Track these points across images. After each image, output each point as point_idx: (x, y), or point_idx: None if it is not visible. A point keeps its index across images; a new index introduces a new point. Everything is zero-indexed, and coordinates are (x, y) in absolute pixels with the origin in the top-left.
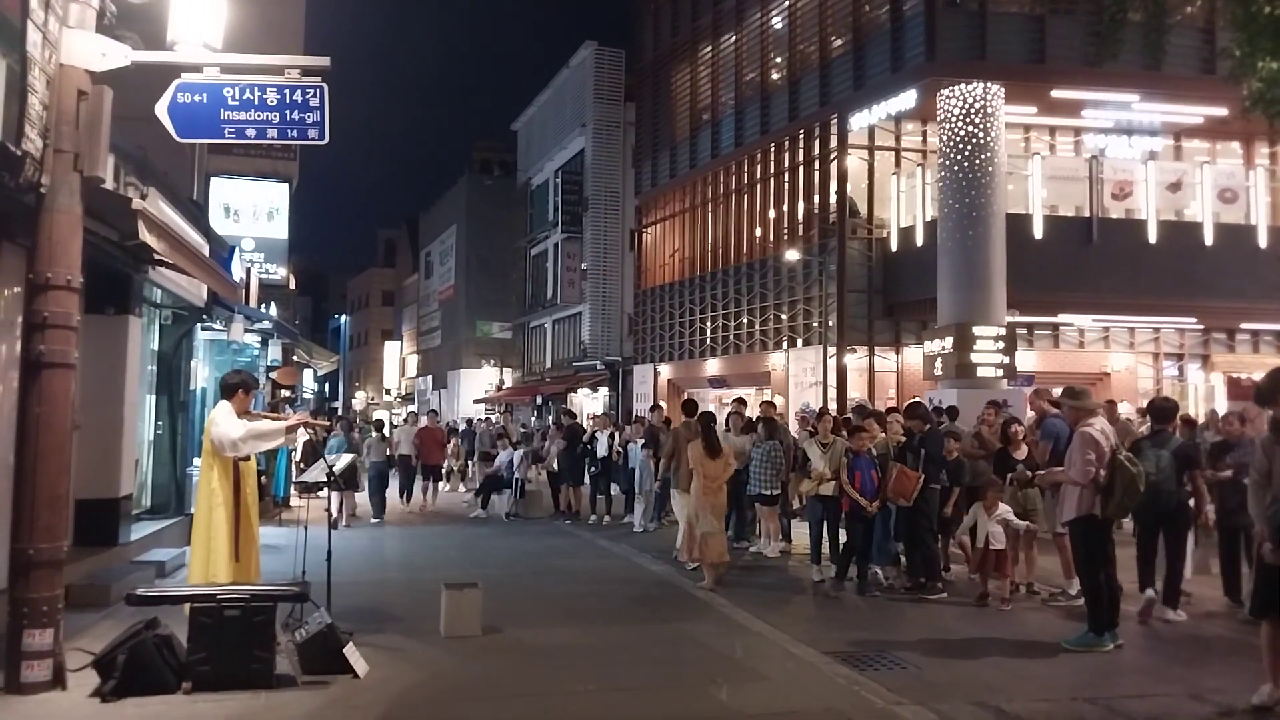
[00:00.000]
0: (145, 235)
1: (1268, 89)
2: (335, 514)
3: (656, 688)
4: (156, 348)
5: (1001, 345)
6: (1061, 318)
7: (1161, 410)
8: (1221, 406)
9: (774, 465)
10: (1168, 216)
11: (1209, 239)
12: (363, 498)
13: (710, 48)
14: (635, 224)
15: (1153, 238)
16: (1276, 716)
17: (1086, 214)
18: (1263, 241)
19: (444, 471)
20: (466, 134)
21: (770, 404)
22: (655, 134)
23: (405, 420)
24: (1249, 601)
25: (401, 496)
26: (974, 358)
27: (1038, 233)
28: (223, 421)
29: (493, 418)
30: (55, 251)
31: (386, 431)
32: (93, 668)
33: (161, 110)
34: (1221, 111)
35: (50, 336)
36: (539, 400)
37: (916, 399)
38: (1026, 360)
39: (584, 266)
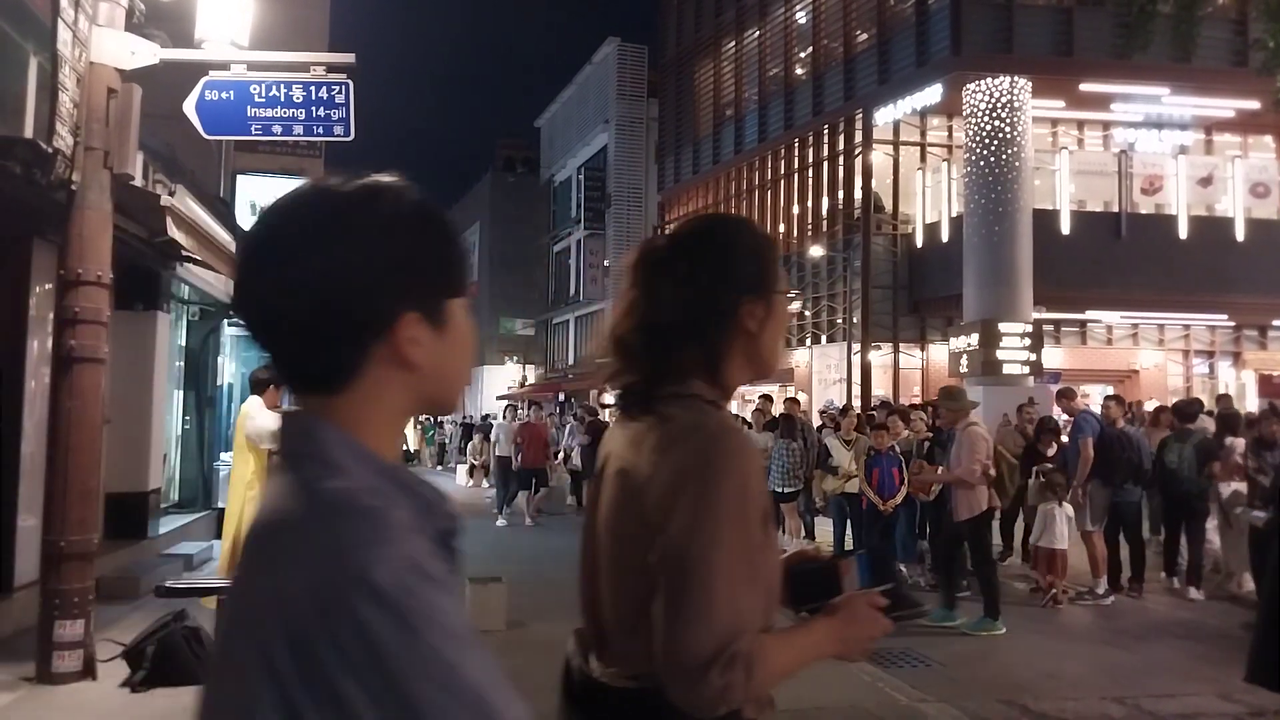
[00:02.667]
0: (173, 232)
1: None
2: None
3: None
4: (184, 343)
5: (1028, 342)
6: (1089, 314)
7: (1185, 411)
8: (1253, 404)
9: (790, 463)
10: (1198, 211)
11: (1240, 234)
12: None
13: (734, 43)
14: (658, 220)
15: (1183, 233)
16: None
17: (1115, 209)
18: None
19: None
20: (490, 131)
21: (795, 401)
22: (678, 130)
23: (503, 415)
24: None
25: (500, 509)
26: (1000, 355)
27: (1065, 228)
28: (258, 415)
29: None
30: (86, 248)
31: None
32: (122, 658)
33: (189, 108)
34: (1254, 105)
35: (81, 332)
36: (561, 397)
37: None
38: (1053, 357)
39: (607, 263)
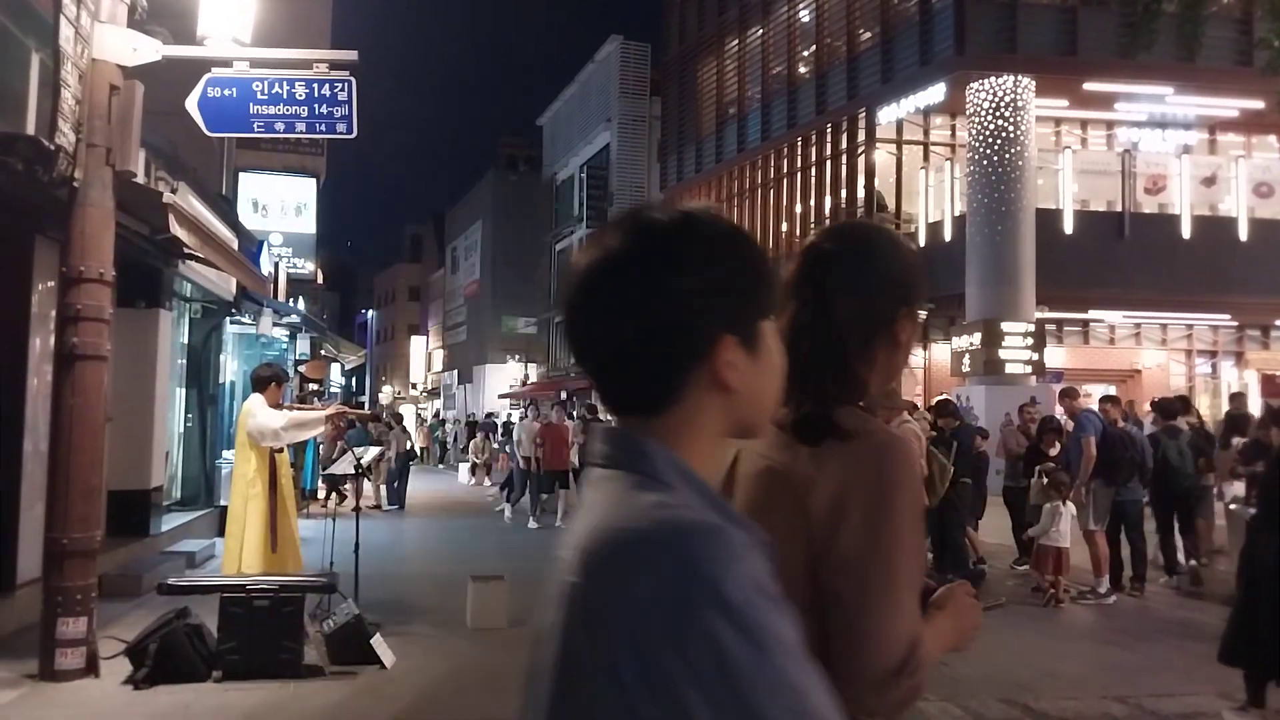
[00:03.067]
0: (176, 229)
1: None
2: (370, 502)
3: None
4: (186, 341)
5: (1030, 341)
6: (1092, 314)
7: (1167, 409)
8: (1256, 404)
9: None
10: (1202, 211)
11: (1244, 234)
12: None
13: (737, 41)
14: None
15: (1186, 233)
16: None
17: (1118, 209)
18: None
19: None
20: (492, 129)
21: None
22: (681, 128)
23: (524, 415)
24: None
25: (533, 512)
26: (1002, 354)
27: (1068, 228)
28: (260, 413)
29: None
30: (88, 245)
31: (408, 425)
32: (125, 656)
33: (192, 105)
34: (1258, 104)
35: (83, 329)
36: (563, 396)
37: (945, 397)
38: (1056, 357)
39: None
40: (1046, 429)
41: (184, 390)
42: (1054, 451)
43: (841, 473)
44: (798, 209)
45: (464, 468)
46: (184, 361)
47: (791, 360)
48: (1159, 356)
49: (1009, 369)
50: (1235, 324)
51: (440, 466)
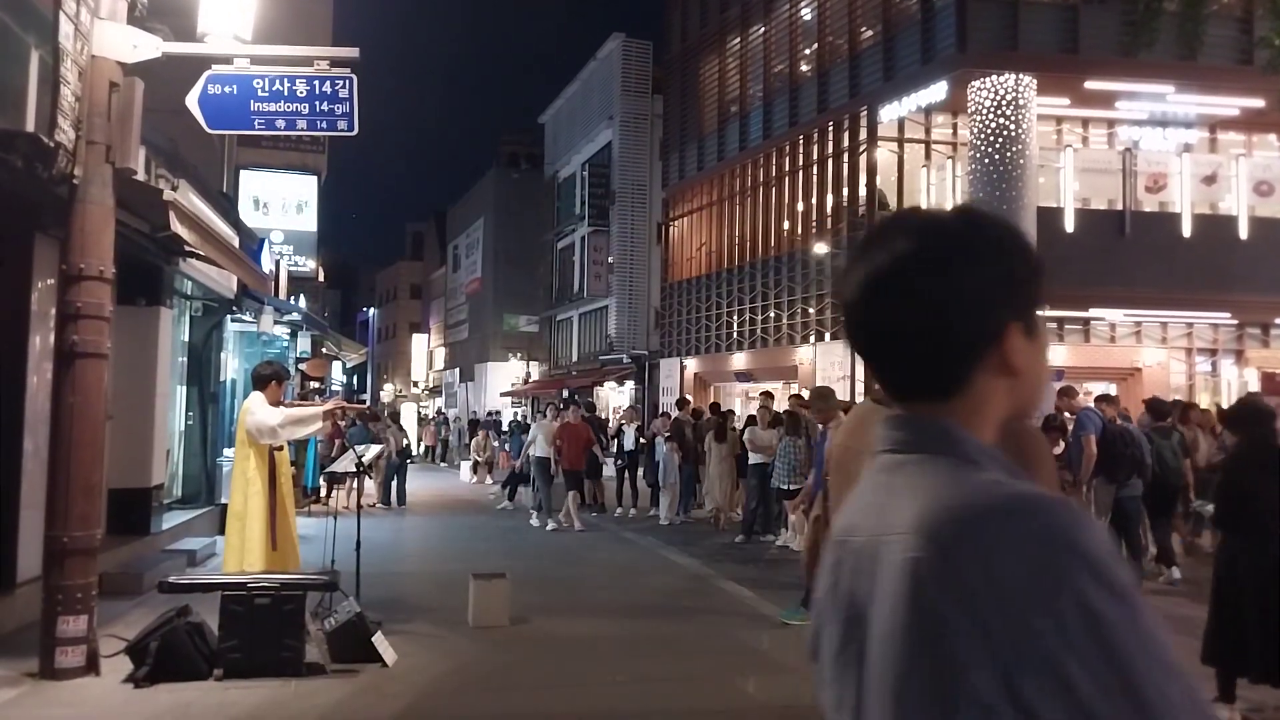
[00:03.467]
0: (176, 227)
1: None
2: (370, 500)
3: (683, 679)
4: (187, 339)
5: None
6: (1093, 312)
7: (1159, 409)
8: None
9: (796, 460)
10: (1202, 210)
11: (1244, 232)
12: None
13: (739, 39)
14: (662, 217)
15: (1187, 231)
16: None
17: (1119, 207)
18: None
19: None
20: (494, 127)
21: (800, 398)
22: (683, 126)
23: (544, 414)
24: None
25: (545, 511)
26: None
27: (1069, 226)
28: (259, 410)
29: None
30: (88, 243)
31: (408, 423)
32: (126, 654)
33: (192, 102)
34: (1258, 103)
35: (83, 327)
36: (565, 394)
37: None
38: (1056, 355)
39: (610, 260)
40: (1049, 427)
41: (185, 388)
42: (1058, 450)
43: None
44: (800, 207)
45: (465, 466)
46: (185, 359)
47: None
48: (1159, 355)
49: None
50: (1235, 322)
51: (442, 464)
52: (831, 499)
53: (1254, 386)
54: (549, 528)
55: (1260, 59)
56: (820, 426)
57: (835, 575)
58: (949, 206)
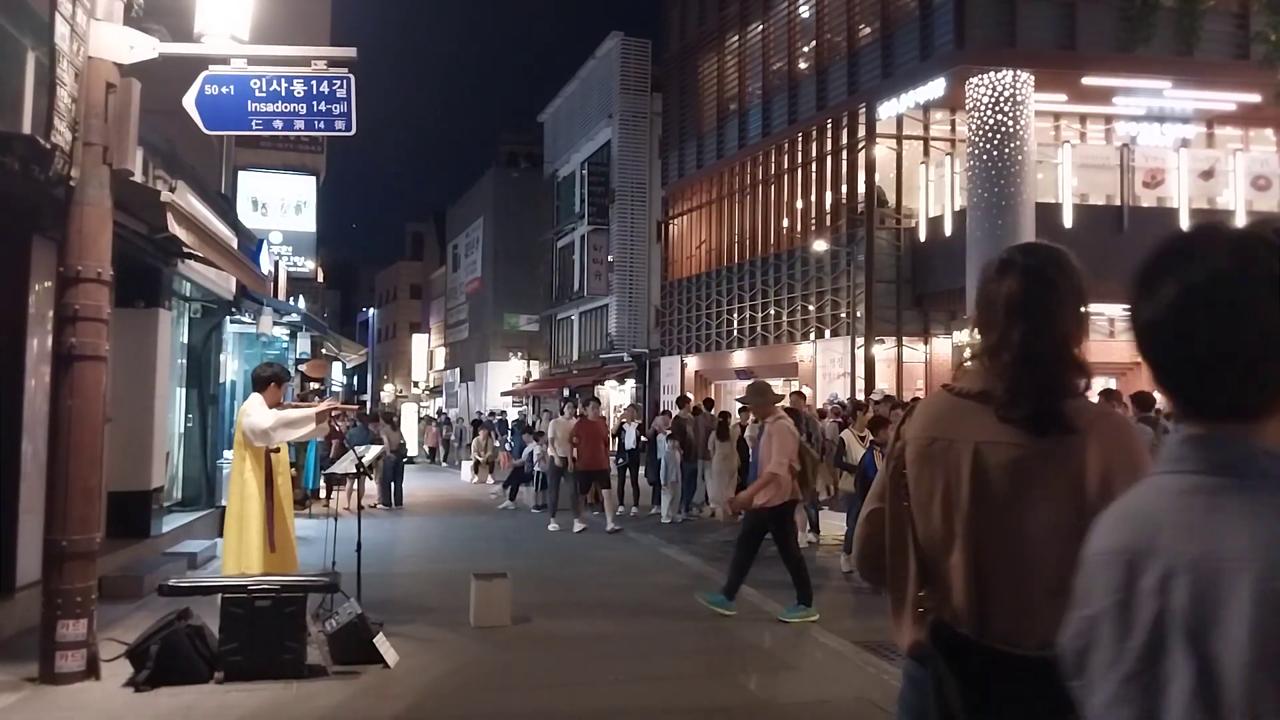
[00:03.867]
0: (174, 228)
1: None
2: (371, 501)
3: (685, 677)
4: (186, 340)
5: None
6: (1091, 307)
7: (1143, 401)
8: None
9: None
10: (1200, 205)
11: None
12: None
13: (737, 37)
14: (662, 215)
15: (1185, 226)
16: None
17: (1117, 203)
18: None
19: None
20: (493, 126)
21: (800, 395)
22: (682, 124)
23: (561, 412)
24: None
25: (550, 514)
26: None
27: (1068, 222)
28: (253, 412)
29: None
30: (85, 244)
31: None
32: (126, 658)
33: (189, 102)
34: (1255, 98)
35: (81, 329)
36: (565, 393)
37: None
38: None
39: (610, 258)
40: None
41: (184, 390)
42: None
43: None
44: (799, 205)
45: (466, 466)
46: (184, 361)
47: (1026, 363)
48: None
49: None
50: None
51: (444, 465)
52: (913, 490)
53: None
54: (550, 528)
55: (1256, 54)
56: (757, 421)
57: (1126, 594)
58: (1222, 221)
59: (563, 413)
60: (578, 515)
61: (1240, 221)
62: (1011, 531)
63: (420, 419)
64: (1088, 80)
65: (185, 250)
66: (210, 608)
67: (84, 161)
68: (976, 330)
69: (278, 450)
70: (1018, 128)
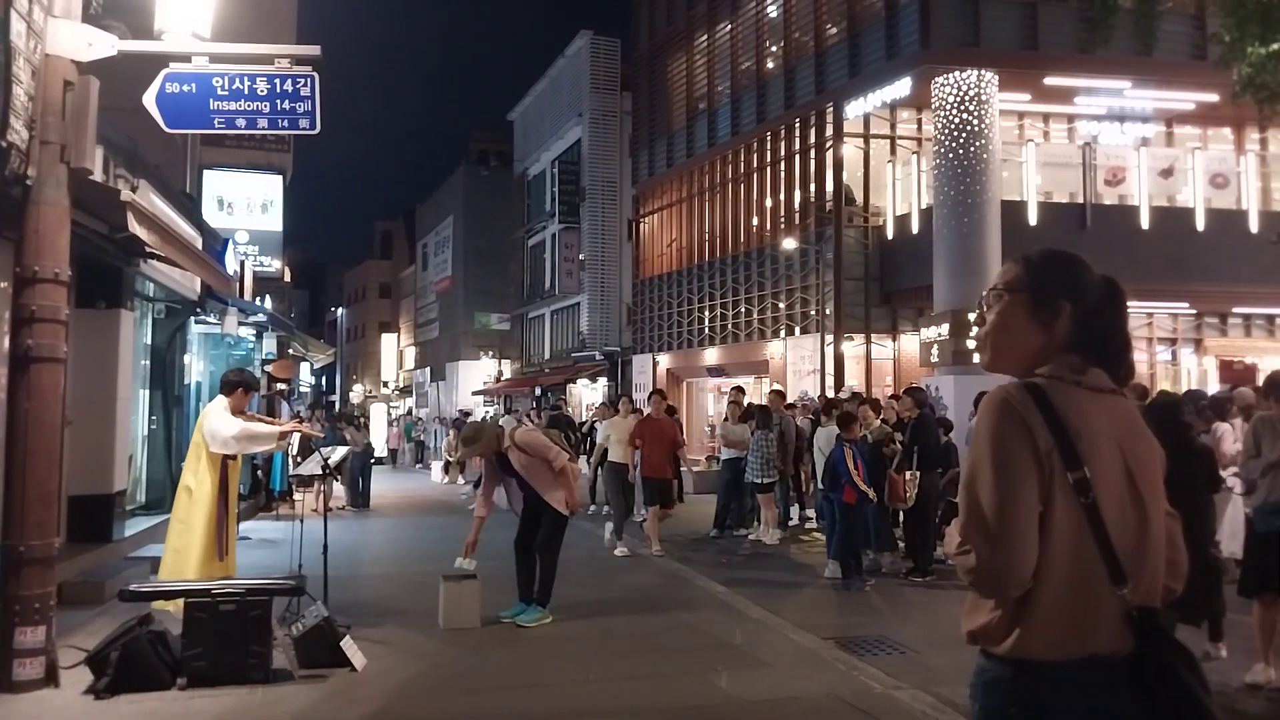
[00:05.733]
0: (135, 227)
1: (1257, 74)
2: (340, 503)
3: (657, 676)
4: (150, 342)
5: None
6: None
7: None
8: (1214, 390)
9: (768, 453)
10: (1160, 202)
11: (1201, 224)
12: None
13: (706, 36)
14: (633, 214)
15: (1145, 223)
16: (1269, 695)
17: (1080, 200)
18: (1254, 226)
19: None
20: (463, 125)
21: (780, 394)
22: (652, 123)
23: (615, 407)
24: (1239, 582)
25: (618, 533)
26: (970, 344)
27: (1032, 219)
28: (217, 417)
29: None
30: (42, 244)
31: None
32: (86, 665)
33: (149, 100)
34: (1212, 97)
35: (39, 330)
36: (538, 391)
37: (916, 385)
38: None
39: (582, 257)
40: None
41: (148, 392)
42: None
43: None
44: (768, 203)
45: (436, 466)
46: (147, 362)
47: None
48: None
49: (977, 359)
50: (1194, 312)
51: (418, 466)
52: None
53: (1212, 375)
54: (617, 553)
55: (1213, 54)
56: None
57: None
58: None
59: (615, 408)
60: (617, 537)
61: (1200, 221)
62: (1132, 505)
63: (391, 420)
64: (1050, 80)
65: (148, 250)
66: (169, 613)
67: (41, 160)
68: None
69: (234, 457)
70: (983, 127)
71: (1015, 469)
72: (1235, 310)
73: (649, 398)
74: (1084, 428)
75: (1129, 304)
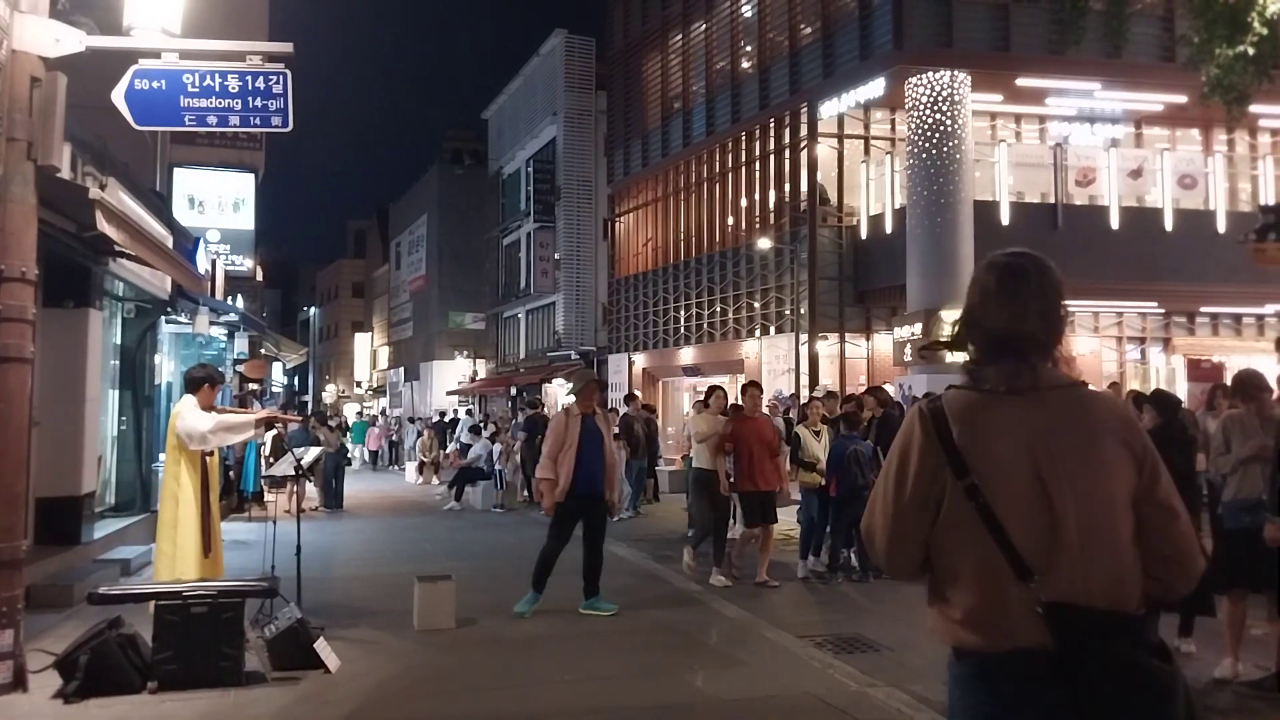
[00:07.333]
0: (103, 226)
1: (1224, 75)
2: (313, 504)
3: (633, 676)
4: (119, 341)
5: None
6: None
7: None
8: (1183, 388)
9: None
10: (1129, 203)
11: (1169, 224)
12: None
13: (680, 36)
14: (608, 213)
15: (1115, 224)
16: (1235, 689)
17: (1051, 200)
18: (1221, 227)
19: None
20: (437, 123)
21: (756, 386)
22: (627, 122)
23: (705, 402)
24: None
25: (715, 563)
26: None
27: (1004, 219)
28: (189, 415)
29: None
30: (9, 243)
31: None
32: (54, 669)
33: (118, 97)
34: (1181, 99)
35: (5, 330)
36: (513, 391)
37: (878, 385)
38: None
39: (557, 256)
40: None
41: (117, 392)
42: None
43: (1140, 429)
44: (743, 203)
45: (411, 467)
46: (117, 362)
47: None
48: (1092, 343)
49: (949, 358)
50: (1163, 311)
51: (394, 467)
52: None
53: (1181, 373)
54: (714, 580)
55: (1182, 56)
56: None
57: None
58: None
59: (691, 408)
60: (719, 564)
61: (1168, 222)
62: (1074, 496)
63: (365, 421)
64: (1022, 81)
65: (117, 249)
66: (144, 616)
67: (7, 157)
68: None
69: (212, 454)
70: (955, 127)
71: (905, 478)
72: (1203, 310)
73: (742, 389)
74: (976, 437)
75: (1097, 302)
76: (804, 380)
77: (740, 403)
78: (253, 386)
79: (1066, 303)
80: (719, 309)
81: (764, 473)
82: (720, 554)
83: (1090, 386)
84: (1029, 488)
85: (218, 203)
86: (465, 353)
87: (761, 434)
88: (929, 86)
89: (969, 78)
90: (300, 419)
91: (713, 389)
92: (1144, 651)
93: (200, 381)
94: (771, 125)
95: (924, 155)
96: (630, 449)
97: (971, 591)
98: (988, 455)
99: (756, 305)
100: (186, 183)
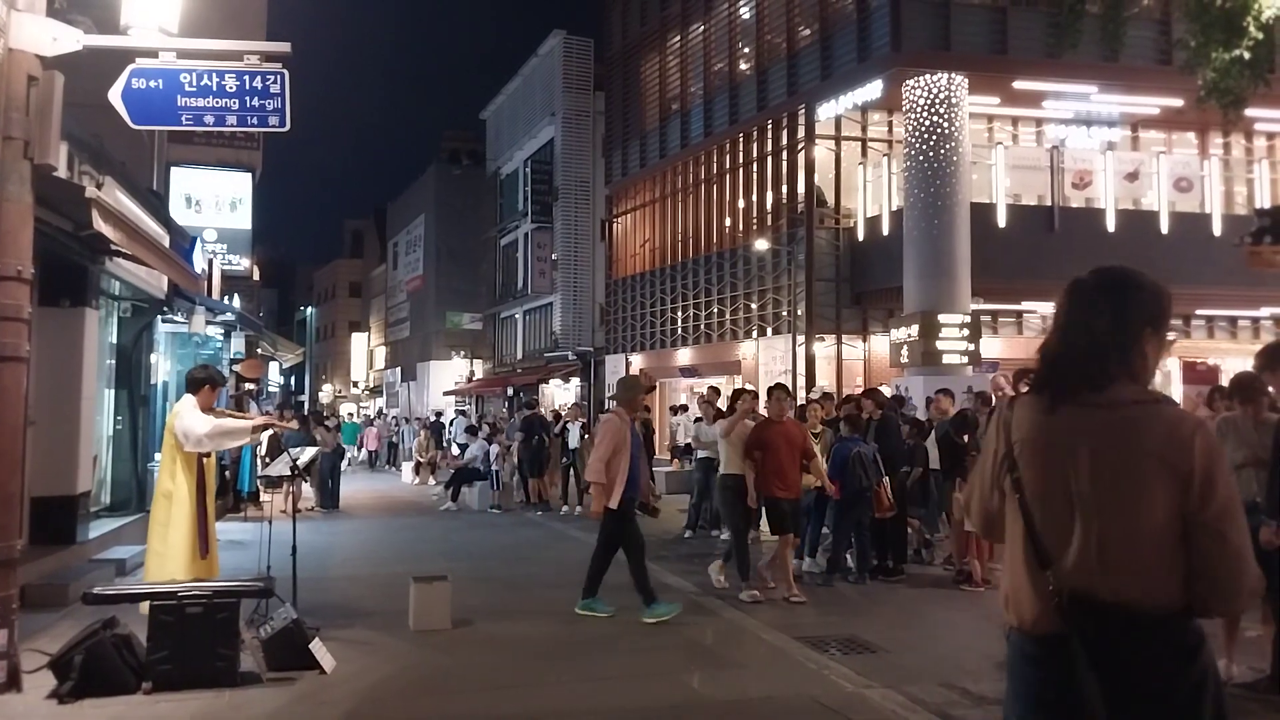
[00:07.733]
0: (100, 225)
1: (1221, 79)
2: (309, 504)
3: (629, 677)
4: (115, 340)
5: (966, 332)
6: (1025, 305)
7: None
8: (1178, 391)
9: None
10: (1126, 205)
11: (1165, 227)
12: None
13: (679, 37)
14: (606, 214)
15: (1111, 226)
16: (1231, 692)
17: (1048, 203)
18: (1217, 230)
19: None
20: (435, 123)
21: (750, 393)
22: (625, 123)
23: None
24: None
25: (746, 576)
26: (939, 345)
27: (1001, 221)
28: (188, 415)
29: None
30: (5, 242)
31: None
32: (49, 669)
33: (115, 96)
34: (1177, 102)
35: (1, 329)
36: (510, 392)
37: (874, 387)
38: (991, 347)
39: (555, 256)
40: (961, 423)
41: (114, 392)
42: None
43: (1195, 442)
44: (740, 204)
45: (407, 467)
46: (113, 362)
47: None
48: None
49: (946, 359)
50: None
51: (389, 467)
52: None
53: (1176, 376)
54: (743, 597)
55: (1178, 59)
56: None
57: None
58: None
59: (715, 408)
60: (745, 579)
61: (1164, 224)
62: (1089, 502)
63: (363, 420)
64: (1019, 84)
65: (113, 248)
66: (138, 615)
67: (4, 156)
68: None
69: (209, 455)
70: (952, 129)
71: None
72: (1199, 312)
73: (768, 393)
74: (1029, 438)
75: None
76: (801, 381)
77: (765, 408)
78: (249, 386)
79: (1161, 320)
80: (716, 310)
81: (793, 479)
82: (745, 567)
83: (1163, 404)
84: (1061, 490)
85: (215, 202)
86: (462, 353)
87: (789, 438)
88: (926, 89)
89: (966, 80)
90: (297, 426)
91: (738, 392)
92: (1171, 652)
93: (201, 382)
94: (769, 127)
95: (921, 157)
96: None
97: (1012, 573)
98: (1036, 455)
99: (754, 306)
100: (184, 182)
